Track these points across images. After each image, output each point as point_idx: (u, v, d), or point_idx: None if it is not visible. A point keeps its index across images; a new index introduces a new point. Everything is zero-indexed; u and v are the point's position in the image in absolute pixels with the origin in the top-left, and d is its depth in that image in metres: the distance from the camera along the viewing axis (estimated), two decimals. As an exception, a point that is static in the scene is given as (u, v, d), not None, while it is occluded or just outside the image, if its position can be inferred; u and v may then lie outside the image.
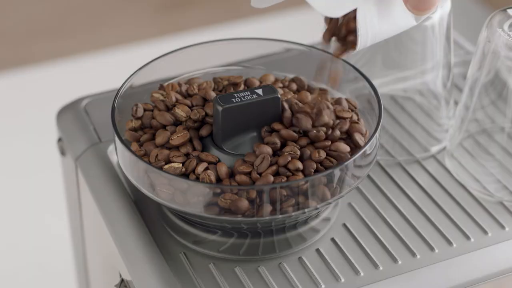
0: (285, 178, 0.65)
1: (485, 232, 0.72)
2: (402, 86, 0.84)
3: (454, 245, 0.71)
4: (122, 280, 0.72)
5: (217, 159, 0.67)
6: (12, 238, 1.59)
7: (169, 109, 0.71)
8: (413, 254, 0.70)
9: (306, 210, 0.65)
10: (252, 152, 0.67)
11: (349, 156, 0.67)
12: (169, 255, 0.70)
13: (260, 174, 0.66)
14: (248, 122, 0.69)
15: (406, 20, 0.66)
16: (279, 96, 0.69)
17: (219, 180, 0.66)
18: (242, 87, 0.74)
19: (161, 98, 0.73)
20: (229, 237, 0.70)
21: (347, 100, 0.73)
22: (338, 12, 0.62)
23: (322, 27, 0.68)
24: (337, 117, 0.70)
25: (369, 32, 0.64)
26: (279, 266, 0.69)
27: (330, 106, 0.70)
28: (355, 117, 0.71)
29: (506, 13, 0.75)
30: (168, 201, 0.66)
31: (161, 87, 0.74)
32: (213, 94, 0.72)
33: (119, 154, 0.70)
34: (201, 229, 0.71)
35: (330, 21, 0.68)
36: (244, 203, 0.64)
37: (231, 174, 0.66)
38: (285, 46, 0.78)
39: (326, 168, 0.66)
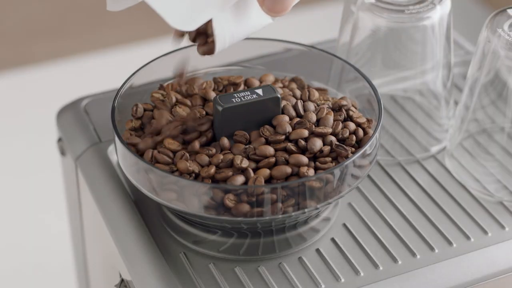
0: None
1: (485, 232, 0.72)
2: (402, 86, 0.84)
3: (454, 245, 0.71)
4: (122, 280, 0.72)
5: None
6: (12, 238, 1.59)
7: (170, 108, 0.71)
8: (413, 254, 0.70)
9: (306, 210, 0.65)
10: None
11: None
12: (169, 255, 0.70)
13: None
14: (248, 122, 0.69)
15: (262, 19, 0.66)
16: (279, 96, 0.69)
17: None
18: (242, 87, 0.74)
19: (161, 98, 0.73)
20: (229, 237, 0.70)
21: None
22: (193, 25, 0.61)
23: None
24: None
25: (226, 35, 0.64)
26: (279, 266, 0.69)
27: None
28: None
29: (506, 13, 0.75)
30: (168, 201, 0.66)
31: (161, 87, 0.74)
32: (213, 94, 0.72)
33: (119, 154, 0.70)
34: (201, 229, 0.71)
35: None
36: (245, 207, 0.64)
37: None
38: (285, 46, 0.78)
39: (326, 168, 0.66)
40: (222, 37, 0.64)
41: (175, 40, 0.68)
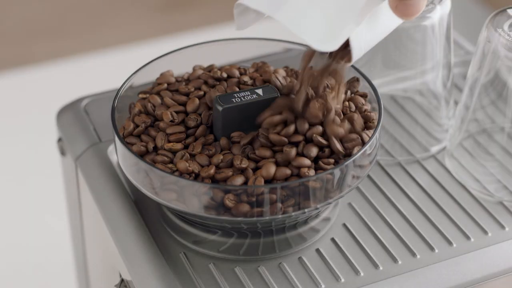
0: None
1: (485, 232, 0.72)
2: (402, 86, 0.84)
3: (454, 245, 0.71)
4: (122, 280, 0.72)
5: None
6: (12, 238, 1.59)
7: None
8: (413, 254, 0.70)
9: (306, 210, 0.65)
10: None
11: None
12: (169, 255, 0.70)
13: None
14: (248, 122, 0.69)
15: (393, 21, 0.66)
16: (279, 96, 0.69)
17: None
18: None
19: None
20: (229, 237, 0.70)
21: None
22: (335, 45, 0.61)
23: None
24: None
25: (361, 44, 0.64)
26: (279, 266, 0.69)
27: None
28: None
29: (506, 13, 0.75)
30: (168, 201, 0.66)
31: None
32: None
33: (119, 154, 0.70)
34: (201, 229, 0.71)
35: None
36: (245, 207, 0.64)
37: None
38: (285, 46, 0.78)
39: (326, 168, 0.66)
40: (358, 47, 0.64)
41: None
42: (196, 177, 0.66)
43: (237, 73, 0.74)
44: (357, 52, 0.64)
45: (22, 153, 1.79)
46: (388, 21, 0.66)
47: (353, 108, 0.71)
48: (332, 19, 0.62)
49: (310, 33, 0.61)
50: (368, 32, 0.64)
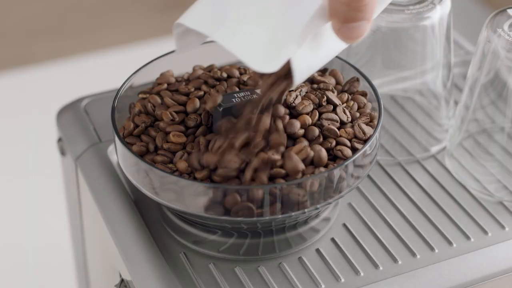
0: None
1: (485, 232, 0.72)
2: (402, 86, 0.84)
3: (454, 245, 0.71)
4: (122, 280, 0.72)
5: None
6: (12, 238, 1.59)
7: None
8: (413, 254, 0.70)
9: (306, 210, 0.65)
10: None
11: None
12: (169, 255, 0.70)
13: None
14: (248, 122, 0.69)
15: (337, 45, 0.65)
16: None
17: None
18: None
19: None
20: (229, 237, 0.70)
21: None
22: (274, 66, 0.59)
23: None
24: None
25: (303, 66, 0.63)
26: (279, 266, 0.69)
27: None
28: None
29: (506, 13, 0.75)
30: (168, 201, 0.66)
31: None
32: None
33: (119, 154, 0.70)
34: (201, 229, 0.71)
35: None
36: (245, 207, 0.64)
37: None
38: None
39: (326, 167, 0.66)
40: (299, 70, 0.62)
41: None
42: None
43: (237, 73, 0.74)
44: (299, 74, 0.62)
45: (22, 153, 1.79)
46: (332, 43, 0.64)
47: (355, 108, 0.71)
48: (272, 40, 0.60)
49: (249, 54, 0.60)
50: (311, 54, 0.63)
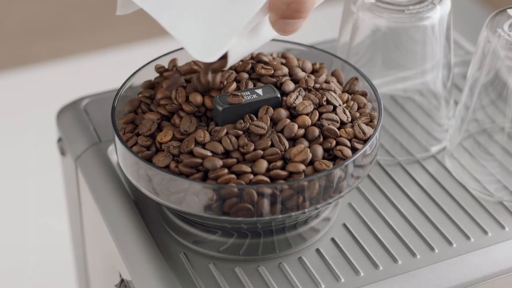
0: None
1: (485, 232, 0.72)
2: (402, 86, 0.84)
3: (454, 245, 0.71)
4: (122, 280, 0.72)
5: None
6: (12, 238, 1.59)
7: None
8: (413, 254, 0.70)
9: (306, 210, 0.65)
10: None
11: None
12: (169, 255, 0.70)
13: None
14: (248, 122, 0.69)
15: (271, 34, 0.68)
16: (279, 96, 0.69)
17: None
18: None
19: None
20: (229, 237, 0.70)
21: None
22: (213, 56, 0.62)
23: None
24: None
25: (238, 51, 0.66)
26: (279, 266, 0.69)
27: None
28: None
29: (506, 13, 0.75)
30: (168, 201, 0.66)
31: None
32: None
33: (119, 154, 0.70)
34: (201, 229, 0.71)
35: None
36: (245, 207, 0.64)
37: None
38: (285, 46, 0.78)
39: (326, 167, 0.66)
40: (234, 53, 0.65)
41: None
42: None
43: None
44: (233, 58, 0.66)
45: (22, 153, 1.79)
46: (267, 33, 0.67)
47: (355, 108, 0.71)
48: (215, 31, 0.62)
49: (191, 42, 0.62)
50: (246, 39, 0.66)
